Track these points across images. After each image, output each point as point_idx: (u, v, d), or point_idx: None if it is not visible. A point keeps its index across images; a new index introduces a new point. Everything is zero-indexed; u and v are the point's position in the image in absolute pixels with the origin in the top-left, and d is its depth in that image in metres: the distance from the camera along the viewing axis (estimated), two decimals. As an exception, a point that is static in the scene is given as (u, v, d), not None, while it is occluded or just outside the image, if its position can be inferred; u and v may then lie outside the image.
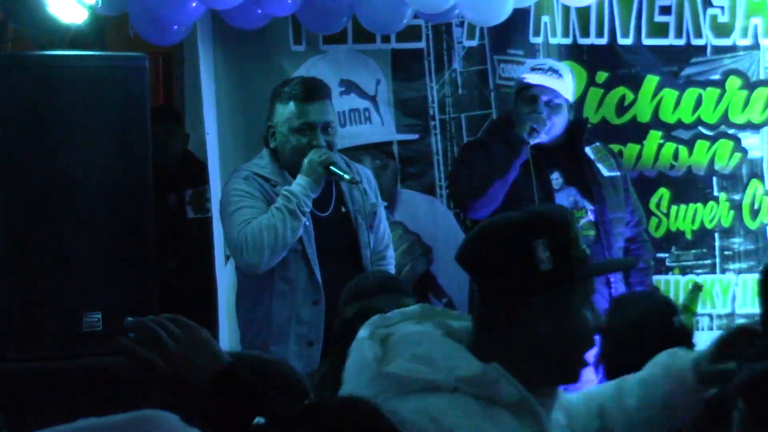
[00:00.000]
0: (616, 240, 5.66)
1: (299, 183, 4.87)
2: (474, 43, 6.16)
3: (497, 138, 5.64)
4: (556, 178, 5.67)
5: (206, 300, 5.92)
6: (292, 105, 4.97)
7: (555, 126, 5.62)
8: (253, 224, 4.83)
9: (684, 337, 4.27)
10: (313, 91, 5.00)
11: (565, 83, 5.66)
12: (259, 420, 1.99)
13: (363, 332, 2.61)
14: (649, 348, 4.23)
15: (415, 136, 6.11)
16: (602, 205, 5.64)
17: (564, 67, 5.80)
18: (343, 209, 5.08)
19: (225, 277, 5.68)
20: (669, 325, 4.25)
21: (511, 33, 6.13)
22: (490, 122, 6.05)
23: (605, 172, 5.75)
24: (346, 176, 4.92)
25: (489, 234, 2.65)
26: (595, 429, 2.86)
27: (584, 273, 2.60)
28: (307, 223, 4.92)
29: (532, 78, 5.62)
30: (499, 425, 2.49)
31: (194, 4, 5.46)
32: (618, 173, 5.80)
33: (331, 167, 4.88)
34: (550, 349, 2.57)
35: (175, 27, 5.68)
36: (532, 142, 5.52)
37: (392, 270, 5.31)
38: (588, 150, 5.78)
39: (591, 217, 5.66)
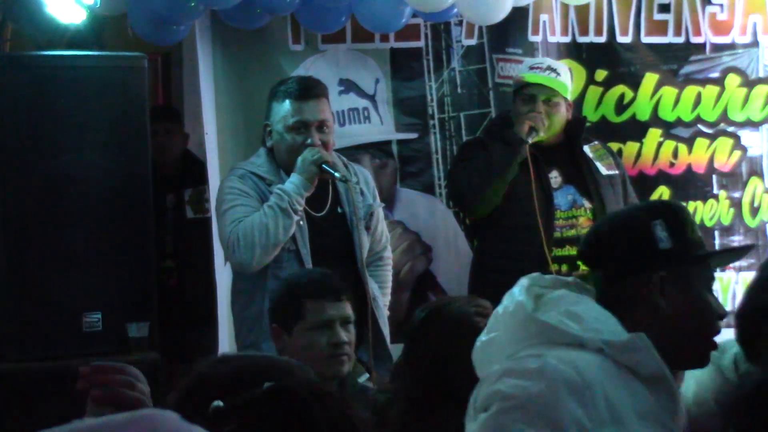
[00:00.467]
0: None
1: (292, 181, 4.86)
2: (473, 42, 6.15)
3: (496, 137, 5.64)
4: (554, 176, 5.66)
5: (206, 300, 5.92)
6: (287, 103, 4.96)
7: (553, 125, 5.61)
8: (245, 222, 4.82)
9: None
10: (308, 89, 4.99)
11: (564, 82, 5.65)
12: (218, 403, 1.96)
13: (523, 281, 2.75)
14: None
15: (415, 135, 6.11)
16: (601, 204, 5.64)
17: (562, 65, 5.80)
18: (339, 210, 5.07)
19: (225, 277, 5.67)
20: None
21: (510, 32, 6.13)
22: (489, 121, 6.05)
23: (603, 171, 5.74)
24: (337, 174, 4.90)
25: (610, 222, 2.87)
26: (687, 425, 2.99)
27: (704, 252, 2.74)
28: (302, 223, 4.91)
29: (531, 77, 5.61)
30: (635, 396, 2.56)
31: (193, 4, 5.46)
32: (616, 172, 5.79)
33: (323, 165, 4.87)
34: (672, 326, 2.65)
35: (174, 27, 5.67)
36: (531, 141, 5.52)
37: (389, 272, 5.30)
38: (586, 148, 5.77)
39: (590, 215, 5.66)
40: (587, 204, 5.66)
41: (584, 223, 5.64)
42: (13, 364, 5.08)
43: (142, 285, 5.28)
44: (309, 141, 4.92)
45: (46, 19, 5.39)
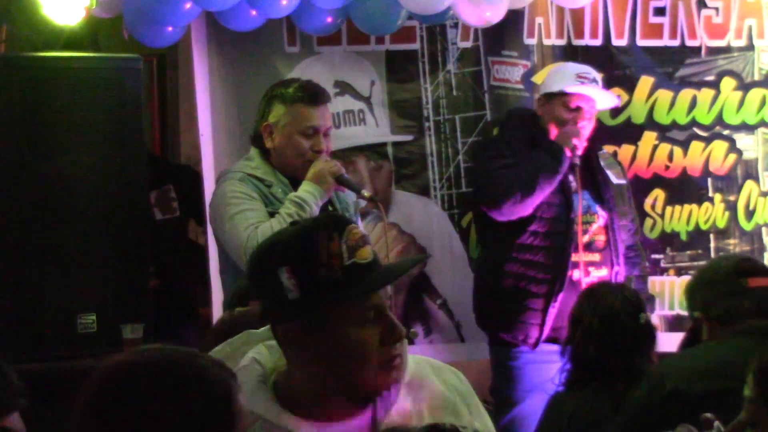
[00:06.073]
0: (620, 247, 5.72)
1: (310, 192, 4.82)
2: (468, 44, 6.15)
3: (535, 144, 5.62)
4: (570, 180, 5.68)
5: (192, 298, 5.91)
6: (299, 108, 4.93)
7: (586, 133, 5.68)
8: (264, 229, 4.77)
9: (648, 335, 4.39)
10: (318, 95, 4.99)
11: (601, 92, 5.73)
12: None
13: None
14: (613, 341, 4.35)
15: (410, 138, 6.11)
16: (612, 212, 5.70)
17: (598, 75, 5.81)
18: (330, 208, 5.07)
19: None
20: (635, 321, 4.35)
21: (506, 34, 6.13)
22: (507, 118, 5.95)
23: (614, 180, 5.78)
24: (366, 193, 4.93)
25: (252, 259, 2.64)
26: None
27: (333, 297, 2.49)
28: None
29: (583, 89, 5.62)
30: None
31: (188, 6, 5.46)
32: (624, 181, 5.85)
33: (342, 178, 4.87)
34: (324, 372, 2.53)
35: (170, 28, 5.67)
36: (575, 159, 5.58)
37: None
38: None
39: (602, 222, 5.70)
40: (600, 211, 5.70)
41: (597, 230, 5.68)
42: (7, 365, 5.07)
43: (136, 286, 5.27)
44: (317, 147, 4.92)
45: (42, 21, 5.39)
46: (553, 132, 5.64)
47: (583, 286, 5.42)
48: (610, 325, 4.35)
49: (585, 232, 5.66)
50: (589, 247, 5.64)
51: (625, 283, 5.44)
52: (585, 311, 4.48)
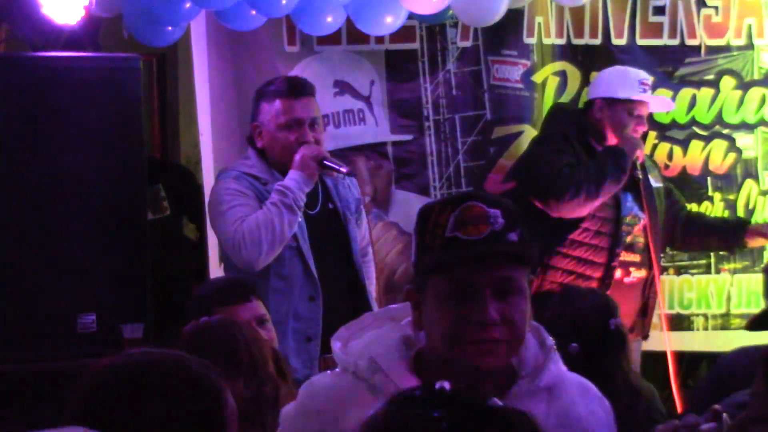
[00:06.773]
0: (659, 249, 5.82)
1: (293, 178, 4.89)
2: (468, 43, 6.15)
3: (606, 154, 5.70)
4: None
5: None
6: (278, 102, 4.99)
7: None
8: (250, 220, 4.83)
9: (619, 340, 4.37)
10: (298, 87, 5.04)
11: (659, 99, 5.83)
12: None
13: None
14: (581, 346, 4.33)
15: (410, 137, 6.11)
16: (654, 214, 5.75)
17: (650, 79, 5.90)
18: (330, 206, 5.10)
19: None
20: (604, 326, 4.33)
21: (505, 34, 6.13)
22: (552, 113, 5.98)
23: (653, 183, 5.84)
24: (343, 169, 4.96)
25: None
26: None
27: (424, 265, 2.58)
28: (300, 220, 4.94)
29: (646, 97, 5.74)
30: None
31: (188, 6, 5.46)
32: (661, 184, 5.92)
33: (324, 161, 4.92)
34: (427, 336, 2.61)
35: (170, 28, 5.68)
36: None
37: (372, 267, 5.31)
38: None
39: (642, 224, 5.76)
40: (641, 214, 5.75)
41: (637, 232, 5.75)
42: (7, 365, 5.08)
43: (136, 286, 5.28)
44: (302, 139, 4.96)
45: (42, 20, 5.39)
46: (611, 138, 5.71)
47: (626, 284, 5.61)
48: (579, 331, 4.33)
49: (628, 233, 5.74)
50: (630, 248, 5.73)
51: (595, 288, 5.46)
52: (554, 316, 4.46)
